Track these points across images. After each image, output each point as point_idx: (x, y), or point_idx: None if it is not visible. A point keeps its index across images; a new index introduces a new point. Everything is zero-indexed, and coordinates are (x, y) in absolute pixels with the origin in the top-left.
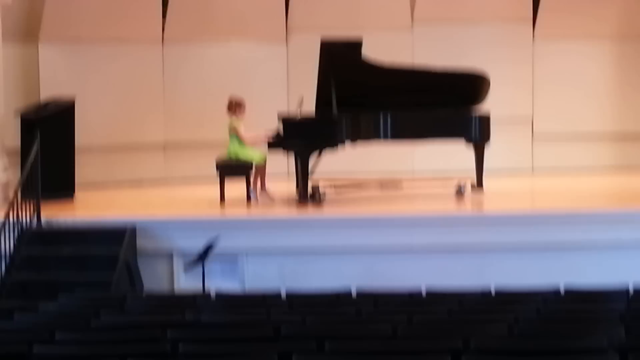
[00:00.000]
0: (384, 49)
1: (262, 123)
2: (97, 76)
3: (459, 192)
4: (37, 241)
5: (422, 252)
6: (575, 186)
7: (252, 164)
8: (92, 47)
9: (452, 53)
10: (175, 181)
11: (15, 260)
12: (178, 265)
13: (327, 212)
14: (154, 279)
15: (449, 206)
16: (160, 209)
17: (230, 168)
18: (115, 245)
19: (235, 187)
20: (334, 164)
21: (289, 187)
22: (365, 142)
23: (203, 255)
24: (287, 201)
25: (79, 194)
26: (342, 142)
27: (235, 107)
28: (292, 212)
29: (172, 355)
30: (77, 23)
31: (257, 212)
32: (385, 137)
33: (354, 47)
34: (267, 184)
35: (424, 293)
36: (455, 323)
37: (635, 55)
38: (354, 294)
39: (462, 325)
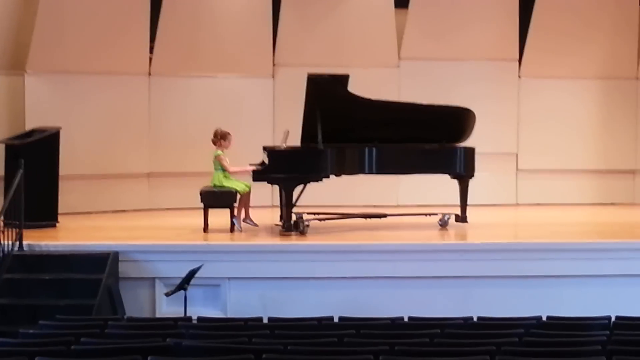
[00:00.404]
0: (370, 85)
1: (247, 155)
2: (82, 106)
3: (443, 224)
4: (18, 266)
5: (404, 282)
6: (558, 219)
7: (236, 194)
8: (78, 78)
9: (439, 89)
10: (159, 211)
11: None
12: (160, 291)
13: (311, 240)
14: (135, 305)
15: (432, 236)
16: (143, 235)
17: (214, 197)
18: (97, 270)
19: (219, 217)
20: (318, 196)
21: (273, 217)
22: (350, 175)
23: (185, 282)
24: (270, 231)
25: (62, 222)
26: (327, 174)
27: (220, 138)
28: (276, 241)
29: None
30: (64, 55)
31: (240, 239)
32: (371, 171)
33: (340, 81)
34: (251, 214)
35: (406, 321)
36: (437, 351)
37: (618, 94)
38: (336, 321)
39: (443, 353)
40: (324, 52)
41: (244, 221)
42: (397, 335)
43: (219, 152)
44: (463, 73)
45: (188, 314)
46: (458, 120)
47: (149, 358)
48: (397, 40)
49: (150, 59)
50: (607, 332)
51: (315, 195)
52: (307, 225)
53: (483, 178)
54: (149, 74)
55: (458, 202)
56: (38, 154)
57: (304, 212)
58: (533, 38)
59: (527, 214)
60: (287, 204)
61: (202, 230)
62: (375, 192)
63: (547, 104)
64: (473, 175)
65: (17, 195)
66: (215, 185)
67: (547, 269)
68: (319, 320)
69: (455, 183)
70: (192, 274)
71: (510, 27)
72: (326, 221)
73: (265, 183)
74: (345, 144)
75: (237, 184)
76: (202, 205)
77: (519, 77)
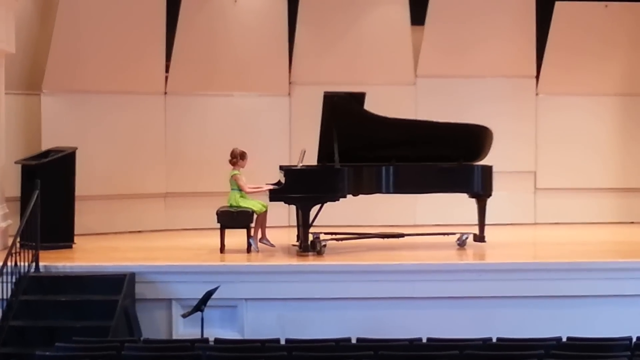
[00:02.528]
0: (386, 102)
1: (264, 174)
2: (98, 126)
3: (461, 243)
4: (35, 287)
5: (423, 302)
6: (577, 239)
7: (252, 214)
8: (94, 98)
9: (455, 107)
10: (176, 232)
11: (12, 306)
12: (177, 312)
13: (328, 260)
14: (152, 326)
15: (450, 256)
16: (159, 256)
17: (231, 218)
18: (113, 291)
19: (236, 237)
20: (335, 216)
21: (290, 238)
22: (367, 195)
23: (202, 303)
24: (287, 251)
25: (78, 242)
26: (344, 194)
27: (237, 158)
28: (293, 261)
29: None
30: (80, 75)
31: (257, 260)
32: (388, 190)
33: (357, 98)
34: (268, 234)
35: (424, 341)
36: None
37: (637, 111)
38: (354, 342)
39: None
40: (340, 70)
41: (260, 241)
42: (416, 356)
43: (236, 171)
44: (480, 90)
45: (205, 336)
46: (475, 139)
47: None
48: (413, 57)
49: (166, 77)
50: (628, 353)
51: (332, 215)
52: (324, 246)
53: (501, 197)
54: (165, 93)
55: (476, 221)
56: (54, 174)
57: (321, 232)
58: (550, 55)
59: (546, 233)
60: (304, 224)
61: (219, 251)
62: (393, 211)
63: (565, 122)
64: (491, 194)
65: (33, 216)
66: (231, 205)
67: (566, 289)
68: (337, 341)
69: (473, 202)
70: (209, 295)
71: (527, 43)
72: (343, 241)
73: (282, 203)
74: (362, 163)
75: (254, 204)
76: (218, 225)
77: (537, 94)
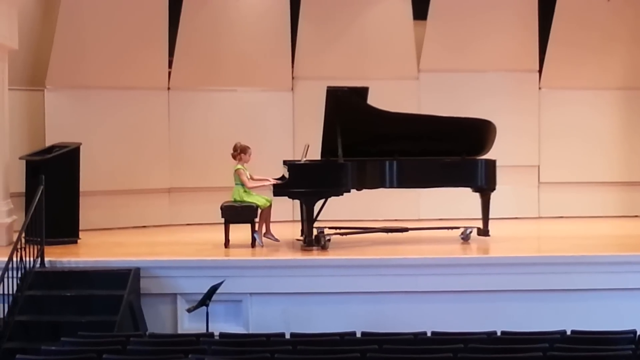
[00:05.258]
0: (389, 97)
1: (267, 169)
2: (102, 122)
3: (465, 237)
4: (40, 282)
5: (427, 296)
6: (581, 232)
7: (257, 208)
8: (97, 93)
9: (458, 101)
10: (180, 227)
11: (18, 301)
12: (182, 307)
13: (332, 255)
14: (157, 321)
15: (454, 250)
16: (164, 251)
17: (235, 213)
18: (118, 286)
19: (240, 232)
20: (339, 210)
21: (294, 232)
22: (370, 189)
23: (206, 297)
24: (291, 246)
25: (83, 238)
26: (347, 189)
27: (240, 153)
28: (297, 256)
29: None
30: (83, 71)
31: (262, 254)
32: (391, 184)
33: (360, 93)
34: (272, 229)
35: (429, 335)
36: None
37: (639, 105)
38: (358, 336)
39: None
40: (343, 65)
41: (264, 236)
42: (420, 350)
43: (239, 166)
44: (483, 85)
45: (210, 330)
46: (479, 133)
47: None
48: (416, 52)
49: (169, 73)
50: (633, 346)
51: (336, 210)
52: (329, 240)
53: (505, 191)
54: (168, 88)
55: (480, 215)
56: (58, 169)
57: (325, 227)
58: (553, 49)
59: (550, 227)
60: (308, 219)
61: (223, 246)
62: (397, 206)
63: (568, 116)
64: (495, 189)
65: (38, 212)
66: (235, 200)
67: (570, 283)
68: (342, 335)
69: (476, 196)
70: (213, 289)
71: (529, 38)
72: (347, 236)
73: (286, 198)
74: (365, 157)
75: (258, 199)
76: (222, 220)
77: (540, 88)
